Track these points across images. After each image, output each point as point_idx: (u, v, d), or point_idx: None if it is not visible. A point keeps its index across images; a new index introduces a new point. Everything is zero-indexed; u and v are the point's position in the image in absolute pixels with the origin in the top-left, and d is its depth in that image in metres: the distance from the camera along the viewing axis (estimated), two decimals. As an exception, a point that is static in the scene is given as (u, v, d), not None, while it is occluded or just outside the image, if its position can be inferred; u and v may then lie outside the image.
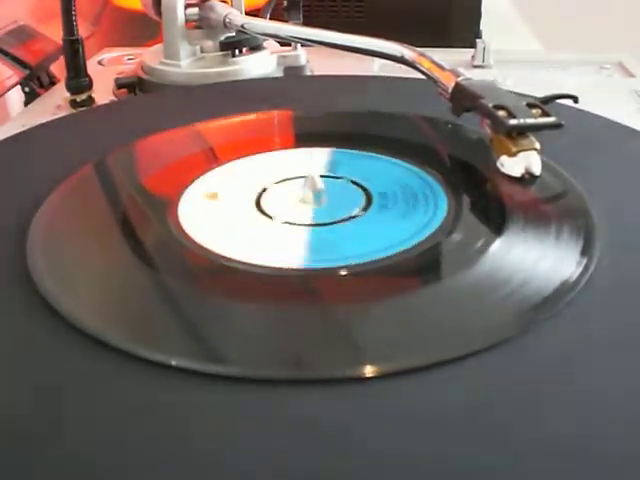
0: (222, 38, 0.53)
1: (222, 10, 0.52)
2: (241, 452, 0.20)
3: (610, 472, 0.19)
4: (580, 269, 0.27)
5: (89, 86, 0.52)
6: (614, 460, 0.20)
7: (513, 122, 0.33)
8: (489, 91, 0.36)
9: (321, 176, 0.33)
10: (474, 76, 0.38)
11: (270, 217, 0.32)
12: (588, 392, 0.22)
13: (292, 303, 0.27)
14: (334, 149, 0.38)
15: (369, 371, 0.23)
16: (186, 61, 0.52)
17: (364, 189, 0.34)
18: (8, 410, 0.22)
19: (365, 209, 0.32)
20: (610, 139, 0.39)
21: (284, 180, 0.35)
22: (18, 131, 0.43)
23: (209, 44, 0.53)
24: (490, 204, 0.33)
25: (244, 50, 0.53)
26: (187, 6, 0.52)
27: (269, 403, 0.22)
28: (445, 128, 0.40)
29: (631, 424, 0.21)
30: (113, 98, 0.53)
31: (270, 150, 0.38)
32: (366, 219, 0.32)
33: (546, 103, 0.35)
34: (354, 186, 0.34)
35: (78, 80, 0.51)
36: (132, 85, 0.53)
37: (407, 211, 0.32)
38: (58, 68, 0.58)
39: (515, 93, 0.37)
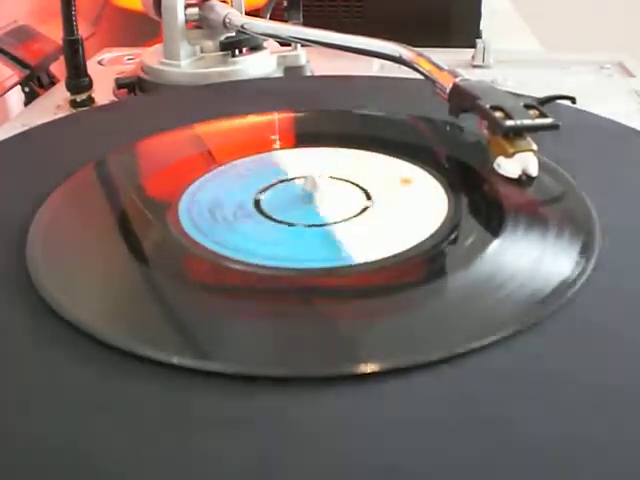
0: (222, 38, 0.53)
1: (222, 10, 0.52)
2: (240, 452, 0.20)
3: (612, 471, 0.20)
4: (579, 269, 0.27)
5: (89, 86, 0.52)
6: (614, 459, 0.20)
7: (510, 123, 0.33)
8: (486, 92, 0.36)
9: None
10: (474, 76, 0.38)
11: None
12: (588, 391, 0.22)
13: (291, 303, 0.27)
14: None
15: (368, 370, 0.23)
16: (186, 61, 0.52)
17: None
18: (8, 410, 0.22)
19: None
20: (610, 139, 0.39)
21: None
22: (18, 131, 0.43)
23: (209, 44, 0.53)
24: (489, 205, 0.33)
25: (244, 50, 0.53)
26: (187, 6, 0.52)
27: (267, 403, 0.22)
28: (443, 129, 0.40)
29: (631, 422, 0.21)
30: (113, 98, 0.53)
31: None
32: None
33: (544, 104, 0.35)
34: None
35: (78, 80, 0.52)
36: (132, 85, 0.53)
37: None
38: (58, 68, 0.58)
39: (513, 94, 0.37)
